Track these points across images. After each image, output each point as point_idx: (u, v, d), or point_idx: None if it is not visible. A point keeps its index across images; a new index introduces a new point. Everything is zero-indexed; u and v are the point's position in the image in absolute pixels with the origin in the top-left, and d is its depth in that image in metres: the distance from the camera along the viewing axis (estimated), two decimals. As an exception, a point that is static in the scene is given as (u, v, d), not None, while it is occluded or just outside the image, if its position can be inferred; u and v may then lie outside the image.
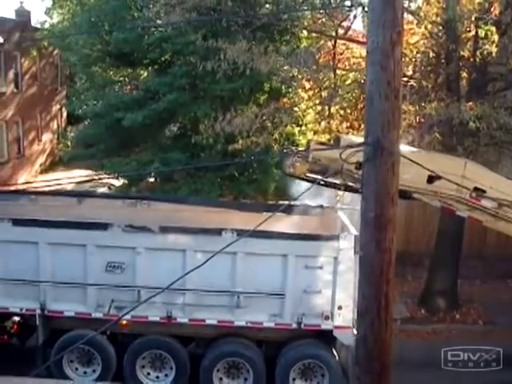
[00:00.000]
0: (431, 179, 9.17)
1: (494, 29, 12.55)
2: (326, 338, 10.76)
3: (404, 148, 8.22)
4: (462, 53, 13.25)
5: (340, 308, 10.34)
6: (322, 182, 9.48)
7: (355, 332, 5.72)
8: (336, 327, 10.43)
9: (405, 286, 16.25)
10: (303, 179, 10.42)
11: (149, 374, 11.11)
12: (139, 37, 16.71)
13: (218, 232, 10.06)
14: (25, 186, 17.24)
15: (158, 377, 11.11)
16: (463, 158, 11.79)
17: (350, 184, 9.32)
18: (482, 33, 12.74)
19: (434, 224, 15.39)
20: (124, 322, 10.72)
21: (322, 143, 10.24)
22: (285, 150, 12.11)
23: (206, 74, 14.66)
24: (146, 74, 18.74)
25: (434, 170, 8.52)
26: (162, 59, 17.51)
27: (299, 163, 9.91)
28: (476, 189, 9.44)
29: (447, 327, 14.76)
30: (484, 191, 9.45)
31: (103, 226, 10.59)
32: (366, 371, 5.29)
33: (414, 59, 13.61)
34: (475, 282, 16.95)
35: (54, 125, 32.58)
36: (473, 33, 13.15)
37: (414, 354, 12.36)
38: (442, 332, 14.54)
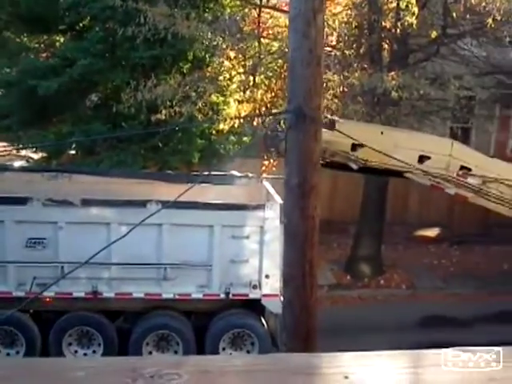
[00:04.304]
0: (422, 159, 9.58)
1: (414, 1, 12.76)
2: (255, 307, 10.85)
3: (395, 131, 8.79)
4: (383, 24, 13.43)
5: (267, 277, 10.42)
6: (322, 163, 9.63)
7: (282, 300, 5.76)
8: (264, 296, 10.53)
9: (330, 253, 16.56)
10: None
11: (76, 351, 10.85)
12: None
13: (143, 204, 9.88)
14: None
15: (85, 354, 10.87)
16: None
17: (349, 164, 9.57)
18: (403, 4, 12.93)
19: (359, 193, 15.71)
20: (47, 299, 10.44)
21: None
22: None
23: (125, 40, 14.21)
24: (62, 40, 17.94)
25: (423, 150, 9.24)
26: (80, 25, 16.82)
27: None
28: (462, 167, 9.88)
29: (372, 292, 15.20)
30: (470, 169, 9.90)
31: (22, 201, 10.21)
32: (292, 336, 5.35)
33: (337, 29, 13.68)
34: (398, 247, 17.50)
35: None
36: (394, 4, 13.34)
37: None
38: (368, 297, 14.97)
